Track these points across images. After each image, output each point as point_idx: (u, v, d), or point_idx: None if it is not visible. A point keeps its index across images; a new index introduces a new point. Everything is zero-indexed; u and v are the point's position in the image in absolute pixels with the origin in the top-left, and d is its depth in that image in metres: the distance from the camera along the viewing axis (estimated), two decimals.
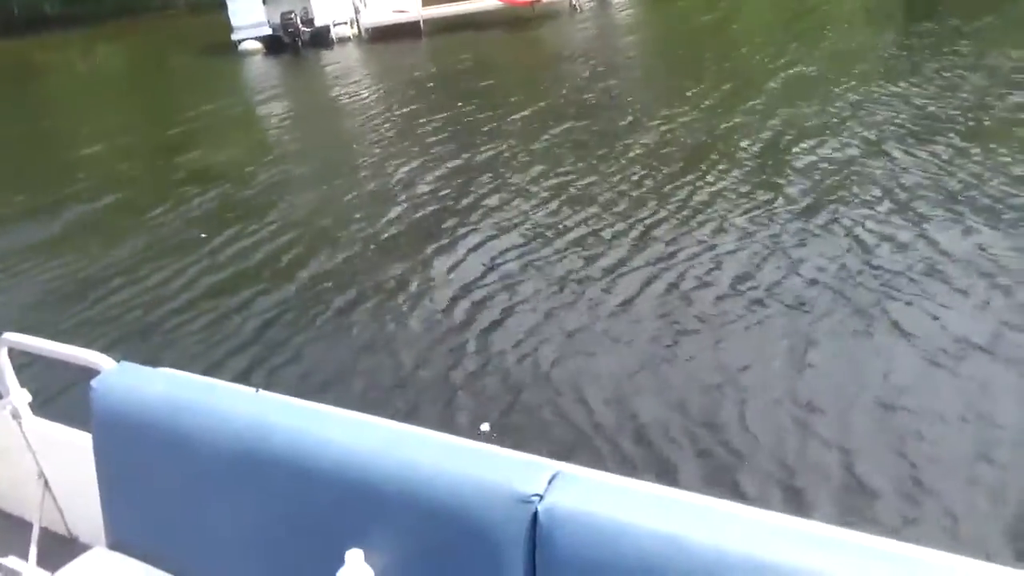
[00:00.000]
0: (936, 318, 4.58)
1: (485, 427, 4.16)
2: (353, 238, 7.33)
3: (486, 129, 10.51)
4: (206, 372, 4.91)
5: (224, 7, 20.44)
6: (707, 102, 10.24)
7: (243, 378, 4.90)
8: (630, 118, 10.10)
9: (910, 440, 3.61)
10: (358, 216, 7.95)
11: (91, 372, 2.06)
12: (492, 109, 11.55)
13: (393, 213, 7.85)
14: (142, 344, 5.76)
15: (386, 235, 7.32)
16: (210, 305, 6.29)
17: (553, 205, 7.41)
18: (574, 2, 20.34)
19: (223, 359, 5.35)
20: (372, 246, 7.10)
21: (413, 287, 6.09)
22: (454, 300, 5.75)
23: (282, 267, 6.93)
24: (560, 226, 6.87)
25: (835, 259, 5.50)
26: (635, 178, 7.79)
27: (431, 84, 14.47)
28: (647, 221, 6.71)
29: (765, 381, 4.24)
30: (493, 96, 12.55)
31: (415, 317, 5.60)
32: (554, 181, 8.05)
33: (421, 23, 19.62)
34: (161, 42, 26.90)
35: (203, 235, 7.91)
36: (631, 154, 8.59)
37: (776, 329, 4.73)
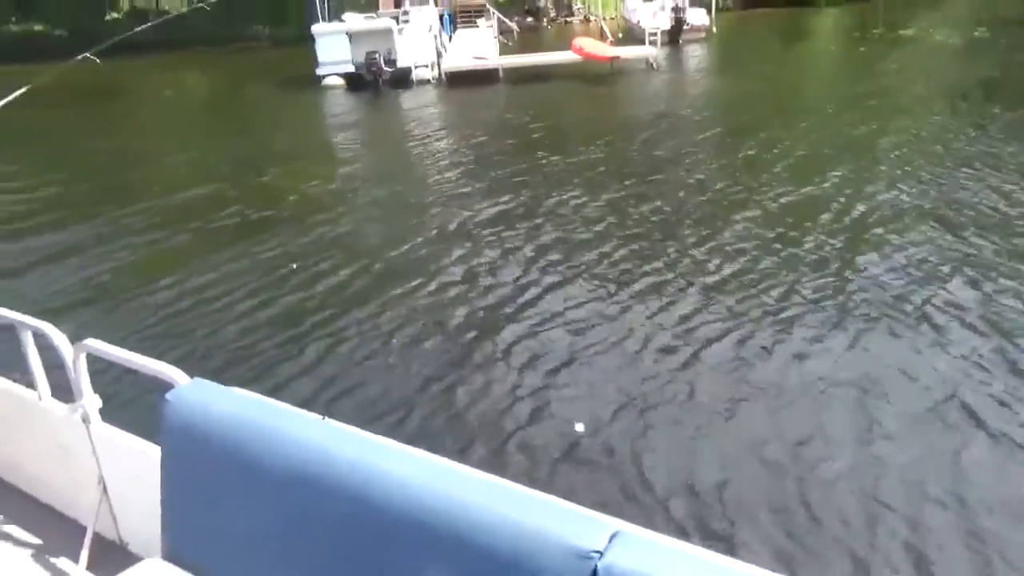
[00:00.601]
0: (1011, 409, 4.40)
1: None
2: (417, 274, 7.46)
3: (555, 178, 10.64)
4: (276, 390, 5.22)
5: (310, 42, 21.26)
6: (776, 169, 10.18)
7: (309, 402, 5.02)
8: (699, 177, 10.10)
9: (990, 540, 3.45)
10: (423, 253, 8.11)
11: (165, 385, 2.08)
12: (562, 159, 11.70)
13: (456, 253, 7.99)
14: (215, 360, 5.95)
15: (449, 273, 7.45)
16: (278, 328, 6.47)
17: (617, 257, 7.42)
18: (651, 59, 20.57)
19: (288, 380, 5.50)
20: (435, 284, 7.22)
21: (475, 328, 6.16)
22: (515, 343, 5.77)
23: (348, 296, 7.10)
24: (624, 280, 6.87)
25: (903, 337, 5.35)
26: (702, 239, 7.75)
27: (504, 130, 14.75)
28: (710, 280, 6.66)
29: (832, 457, 4.12)
30: (564, 146, 12.70)
31: (478, 354, 5.65)
32: (619, 235, 8.07)
33: (500, 71, 20.07)
34: (246, 71, 28.05)
35: (267, 252, 8.15)
36: (698, 214, 8.57)
37: (844, 408, 4.61)
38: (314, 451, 1.74)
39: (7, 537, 2.71)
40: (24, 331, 2.58)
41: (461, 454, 4.33)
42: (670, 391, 4.96)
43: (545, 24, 34.78)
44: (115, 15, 34.79)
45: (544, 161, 11.72)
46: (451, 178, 11.35)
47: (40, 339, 2.54)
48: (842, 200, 8.69)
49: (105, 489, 2.54)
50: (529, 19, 34.65)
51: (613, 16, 33.36)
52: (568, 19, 35.67)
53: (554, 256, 7.66)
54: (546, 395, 5.04)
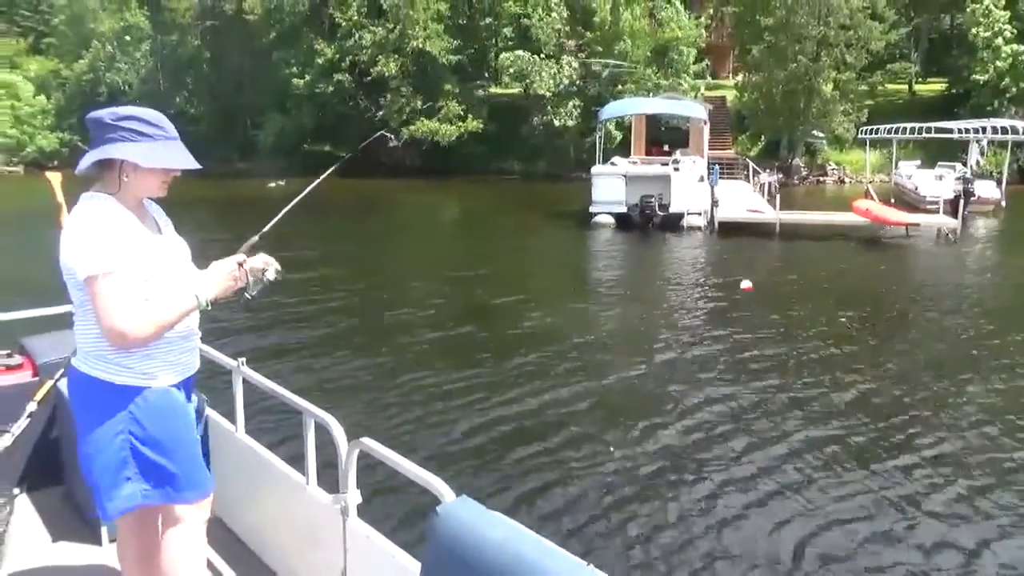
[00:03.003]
0: None
1: None
2: (648, 432, 7.30)
3: (819, 360, 9.53)
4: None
5: (557, 180, 22.12)
6: None
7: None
8: (998, 385, 8.60)
9: None
10: (660, 412, 7.84)
11: (430, 496, 2.09)
12: (835, 335, 10.63)
13: (689, 421, 7.61)
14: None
15: (677, 436, 7.18)
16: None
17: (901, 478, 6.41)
18: (945, 230, 19.18)
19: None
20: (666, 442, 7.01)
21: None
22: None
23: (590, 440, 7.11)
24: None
25: None
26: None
27: (775, 291, 14.01)
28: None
29: None
30: (840, 318, 11.61)
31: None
32: (912, 456, 6.79)
33: (778, 226, 19.59)
34: (511, 201, 29.84)
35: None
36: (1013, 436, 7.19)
37: None
38: None
39: None
40: (308, 419, 2.76)
41: None
42: None
43: (796, 182, 34.21)
44: (394, 144, 38.81)
45: (813, 334, 10.72)
46: (699, 335, 10.84)
47: (320, 429, 2.67)
48: None
49: None
50: (779, 175, 34.27)
51: (872, 180, 32.18)
52: (821, 179, 34.89)
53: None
54: None
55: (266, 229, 2.74)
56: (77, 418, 2.36)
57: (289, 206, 2.86)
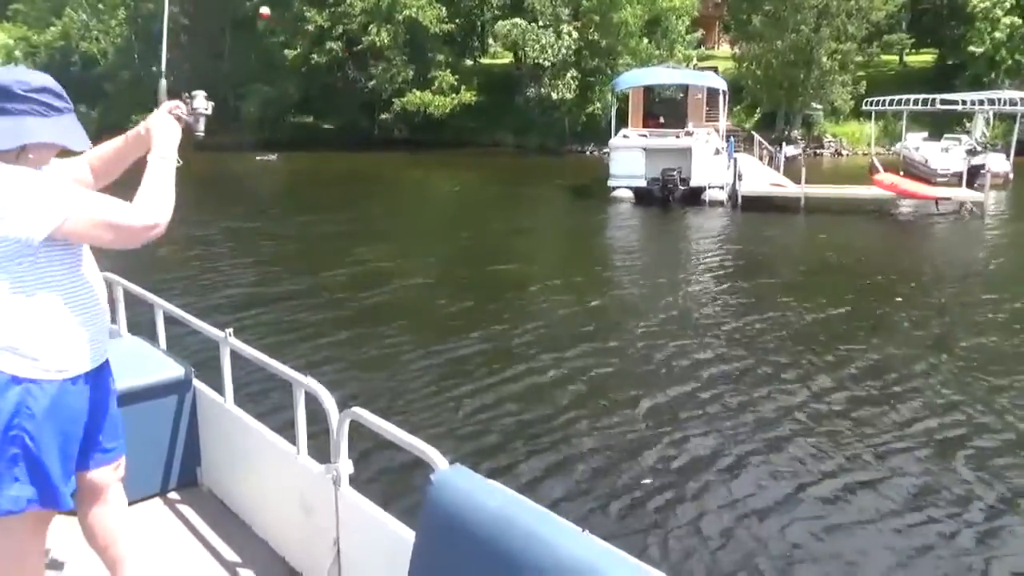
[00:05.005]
0: None
1: None
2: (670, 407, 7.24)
3: (854, 348, 8.96)
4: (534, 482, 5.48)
5: (549, 154, 21.63)
6: None
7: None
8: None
9: None
10: (668, 389, 7.74)
11: (422, 465, 2.08)
12: (865, 317, 10.29)
13: (699, 398, 7.51)
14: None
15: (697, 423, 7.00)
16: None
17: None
18: (970, 204, 19.04)
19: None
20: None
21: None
22: None
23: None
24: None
25: None
26: None
27: (800, 268, 13.75)
28: None
29: None
30: (870, 300, 11.21)
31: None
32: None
33: (802, 200, 19.32)
34: (512, 175, 29.20)
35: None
36: None
37: None
38: (570, 567, 1.66)
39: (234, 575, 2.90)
40: (298, 389, 2.74)
41: None
42: None
43: (795, 155, 34.04)
44: (384, 116, 37.81)
45: (837, 316, 10.30)
46: (723, 315, 10.51)
47: (310, 399, 2.69)
48: None
49: (339, 553, 2.59)
50: (789, 148, 33.94)
51: (866, 152, 32.12)
52: (818, 151, 34.76)
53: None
54: None
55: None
56: None
57: None
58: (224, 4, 38.99)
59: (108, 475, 2.44)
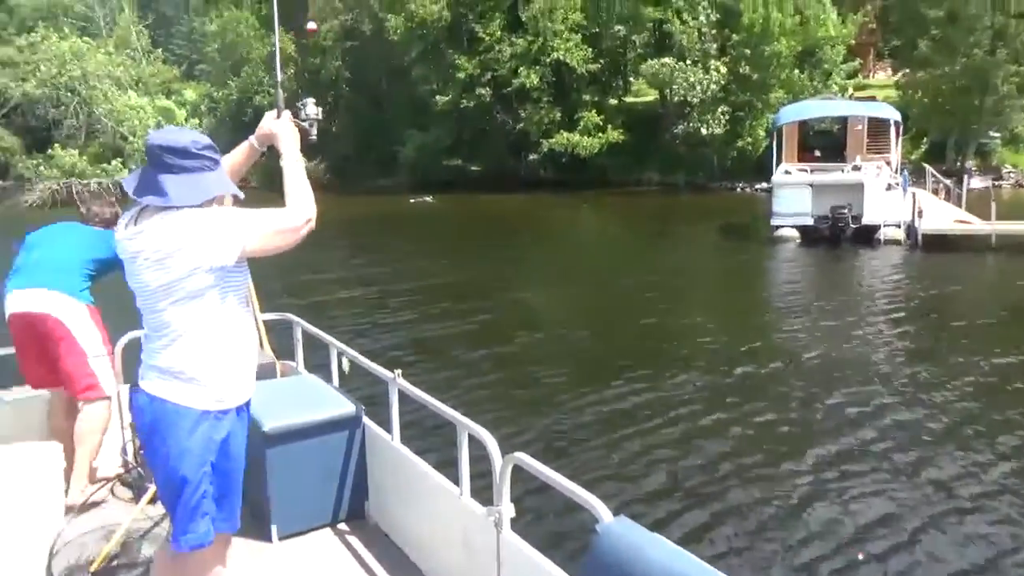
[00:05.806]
0: None
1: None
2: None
3: None
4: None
5: (694, 191, 20.97)
6: None
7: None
8: None
9: None
10: (840, 450, 7.11)
11: (582, 512, 2.09)
12: None
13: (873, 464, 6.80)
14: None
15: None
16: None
17: None
18: None
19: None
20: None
21: None
22: None
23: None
24: None
25: None
26: None
27: (992, 315, 12.49)
28: None
29: None
30: None
31: None
32: None
33: (993, 237, 17.87)
34: (662, 215, 28.88)
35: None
36: None
37: None
38: None
39: None
40: (462, 431, 2.79)
41: None
42: None
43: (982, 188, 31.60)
44: (532, 156, 38.56)
45: None
46: (912, 360, 9.63)
47: (474, 442, 2.73)
48: None
49: None
50: (976, 180, 31.56)
51: None
52: (996, 182, 32.13)
53: None
54: None
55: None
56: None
57: None
58: (381, 54, 41.31)
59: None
